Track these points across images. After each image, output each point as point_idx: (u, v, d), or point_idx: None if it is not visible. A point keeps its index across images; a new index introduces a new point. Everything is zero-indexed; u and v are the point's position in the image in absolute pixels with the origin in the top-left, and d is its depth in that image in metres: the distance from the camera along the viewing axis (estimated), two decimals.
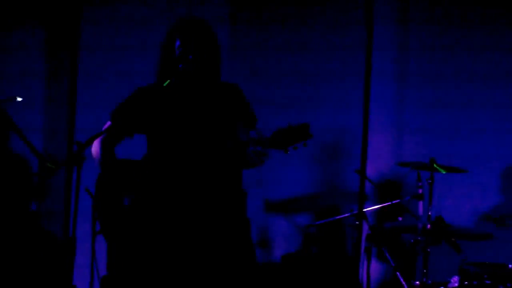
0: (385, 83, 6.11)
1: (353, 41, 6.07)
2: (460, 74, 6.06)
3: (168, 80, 3.95)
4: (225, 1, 6.21)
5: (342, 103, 6.13)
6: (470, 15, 6.04)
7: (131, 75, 5.86)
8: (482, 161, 5.94)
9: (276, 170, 5.89)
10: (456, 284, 5.14)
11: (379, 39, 5.97)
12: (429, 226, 5.10)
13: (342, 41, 6.13)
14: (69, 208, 5.88)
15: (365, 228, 5.71)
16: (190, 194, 3.94)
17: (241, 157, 3.90)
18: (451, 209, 5.78)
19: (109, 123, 4.12)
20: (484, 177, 5.96)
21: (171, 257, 3.93)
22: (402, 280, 5.38)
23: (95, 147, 4.12)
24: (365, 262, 5.53)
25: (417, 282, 5.28)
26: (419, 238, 5.34)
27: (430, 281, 5.24)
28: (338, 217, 5.76)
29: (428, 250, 5.22)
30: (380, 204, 5.66)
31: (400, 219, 5.56)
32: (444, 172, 5.34)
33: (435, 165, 5.31)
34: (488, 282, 5.02)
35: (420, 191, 5.46)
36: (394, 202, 5.59)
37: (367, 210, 5.61)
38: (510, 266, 5.20)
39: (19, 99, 5.28)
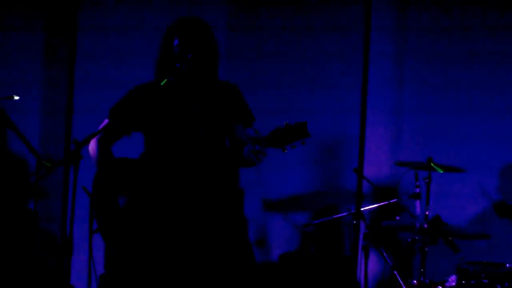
0: (383, 84, 6.11)
1: (352, 40, 6.08)
2: (459, 75, 6.06)
3: (166, 79, 3.95)
4: (223, 8, 6.21)
5: (340, 103, 6.13)
6: (469, 18, 6.04)
7: (128, 77, 5.85)
8: (480, 160, 5.95)
9: (274, 169, 5.89)
10: (454, 283, 5.14)
11: (376, 42, 5.98)
12: (426, 225, 5.09)
13: (340, 41, 6.13)
14: (66, 207, 5.87)
15: (363, 227, 5.71)
16: (187, 193, 3.94)
17: (238, 156, 3.90)
18: (448, 208, 5.78)
19: (106, 121, 4.12)
20: (482, 177, 5.96)
21: (168, 256, 3.93)
22: (399, 279, 5.38)
23: (92, 146, 4.12)
24: (363, 261, 5.53)
25: (414, 281, 5.27)
26: (416, 237, 5.34)
27: (427, 280, 5.24)
28: (336, 216, 5.76)
29: (426, 249, 5.22)
30: (377, 203, 5.66)
31: (398, 218, 5.57)
32: (441, 172, 5.34)
33: (432, 164, 5.31)
34: (486, 281, 5.02)
35: (418, 190, 5.46)
36: (391, 201, 5.59)
37: (364, 209, 5.61)
38: (507, 265, 5.20)
39: (16, 97, 5.28)
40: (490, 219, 5.84)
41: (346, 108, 6.08)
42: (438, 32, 6.06)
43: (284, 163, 5.83)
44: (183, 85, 4.04)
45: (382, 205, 5.62)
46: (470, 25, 6.03)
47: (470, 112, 6.04)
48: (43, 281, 5.70)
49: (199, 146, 3.99)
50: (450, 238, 5.23)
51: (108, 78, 6.07)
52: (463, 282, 5.06)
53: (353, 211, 5.62)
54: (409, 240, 5.40)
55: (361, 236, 5.62)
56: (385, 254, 5.57)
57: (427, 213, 5.30)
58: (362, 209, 5.58)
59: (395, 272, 5.43)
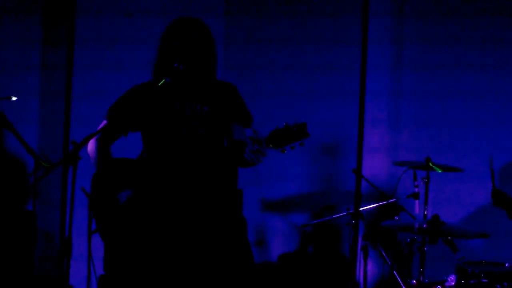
0: (381, 81, 6.11)
1: (351, 51, 6.08)
2: (458, 68, 6.06)
3: (163, 80, 3.94)
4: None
5: (339, 102, 6.13)
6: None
7: (127, 71, 5.84)
8: (479, 159, 5.94)
9: (273, 169, 5.89)
10: (453, 283, 5.13)
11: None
12: (425, 225, 5.09)
13: (339, 52, 6.14)
14: (65, 208, 5.86)
15: (362, 227, 5.71)
16: (186, 193, 3.94)
17: (236, 156, 3.89)
18: (447, 208, 5.78)
19: (104, 122, 4.12)
20: (481, 175, 5.96)
21: (167, 256, 3.92)
22: (399, 279, 5.38)
23: (90, 146, 4.12)
24: (362, 262, 5.53)
25: (413, 281, 5.27)
26: (415, 237, 5.34)
27: (426, 280, 5.24)
28: (334, 216, 5.76)
29: (425, 249, 5.22)
30: (376, 203, 5.66)
31: (397, 218, 5.57)
32: (440, 171, 5.35)
33: (431, 164, 5.32)
34: (485, 281, 5.02)
35: (416, 190, 5.47)
36: (390, 201, 5.59)
37: (363, 209, 5.61)
38: (507, 265, 5.20)
39: (14, 98, 5.27)
40: (489, 219, 5.84)
41: (346, 108, 6.08)
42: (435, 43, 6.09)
43: (282, 162, 5.83)
44: (181, 85, 4.03)
45: (381, 205, 5.62)
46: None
47: (470, 110, 6.04)
48: (42, 282, 5.69)
49: (198, 146, 3.99)
50: (449, 237, 5.23)
51: (107, 66, 6.08)
52: (463, 281, 5.06)
53: (352, 211, 5.62)
54: (408, 240, 5.40)
55: (360, 236, 5.63)
56: (384, 254, 5.57)
57: (426, 212, 5.31)
58: (361, 209, 5.59)
59: (394, 272, 5.43)
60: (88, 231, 4.56)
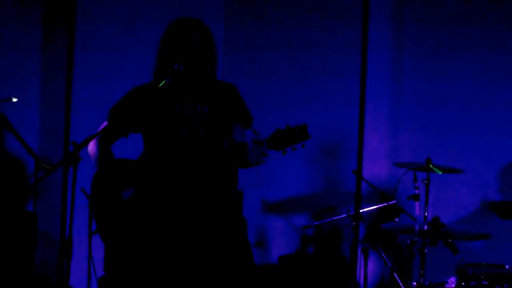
0: (382, 83, 6.12)
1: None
2: (458, 72, 6.07)
3: (164, 81, 3.94)
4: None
5: (339, 104, 6.13)
6: (467, 10, 6.05)
7: (127, 74, 5.85)
8: (479, 160, 5.95)
9: (274, 170, 5.89)
10: (453, 285, 5.13)
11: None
12: (426, 226, 5.09)
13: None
14: (65, 209, 5.86)
15: (362, 229, 5.71)
16: (186, 193, 3.94)
17: (236, 156, 3.89)
18: (447, 210, 5.78)
19: (105, 123, 4.12)
20: (481, 177, 5.97)
21: (167, 257, 3.92)
22: (399, 281, 5.38)
23: (91, 146, 4.12)
24: (362, 263, 5.53)
25: (414, 283, 5.27)
26: (416, 239, 5.33)
27: (427, 282, 5.24)
28: (335, 218, 5.76)
29: (425, 250, 5.22)
30: (377, 205, 5.66)
31: (397, 219, 5.57)
32: (440, 173, 5.34)
33: (431, 166, 5.31)
34: (485, 282, 5.01)
35: (417, 191, 5.46)
36: (390, 202, 5.59)
37: (363, 211, 5.61)
38: (507, 266, 5.20)
39: (14, 99, 5.28)
40: (489, 220, 5.84)
41: (346, 110, 6.08)
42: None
43: (283, 164, 5.82)
44: (181, 85, 4.03)
45: (381, 206, 5.62)
46: (470, 14, 6.05)
47: (470, 110, 6.05)
48: (42, 283, 5.69)
49: (198, 146, 3.98)
50: (449, 239, 5.22)
51: (108, 70, 6.08)
52: (463, 283, 5.05)
53: (352, 212, 5.62)
54: (409, 241, 5.40)
55: (360, 238, 5.63)
56: (384, 256, 5.57)
57: (426, 214, 5.30)
58: (361, 210, 5.59)
59: (395, 274, 5.43)
60: (89, 232, 4.56)
